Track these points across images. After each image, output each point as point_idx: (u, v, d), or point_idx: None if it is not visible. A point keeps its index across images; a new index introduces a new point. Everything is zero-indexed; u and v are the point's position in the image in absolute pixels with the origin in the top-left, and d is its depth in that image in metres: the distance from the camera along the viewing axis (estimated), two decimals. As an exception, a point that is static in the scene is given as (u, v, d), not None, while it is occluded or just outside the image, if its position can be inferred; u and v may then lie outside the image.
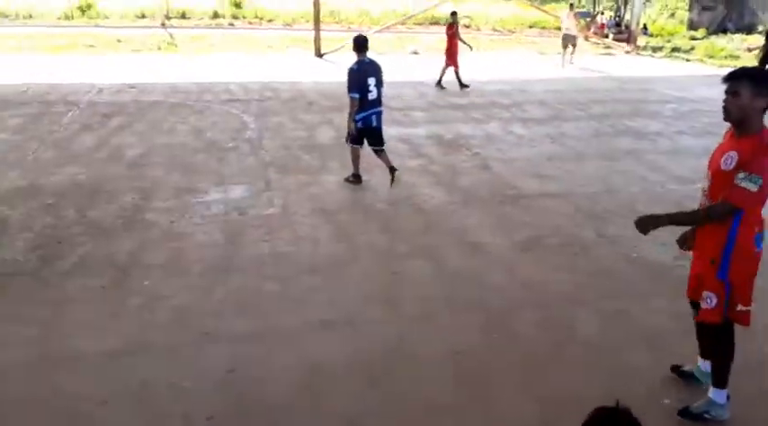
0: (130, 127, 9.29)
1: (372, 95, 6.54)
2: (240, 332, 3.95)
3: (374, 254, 5.18)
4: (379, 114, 6.73)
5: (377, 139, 6.84)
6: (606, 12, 27.45)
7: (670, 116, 11.17)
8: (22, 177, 6.88)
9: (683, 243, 3.28)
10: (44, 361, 3.58)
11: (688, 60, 20.32)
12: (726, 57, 19.63)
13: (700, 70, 17.96)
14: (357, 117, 6.59)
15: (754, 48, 19.58)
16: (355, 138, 6.74)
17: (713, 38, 23.64)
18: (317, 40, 18.85)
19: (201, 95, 11.94)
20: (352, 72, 6.48)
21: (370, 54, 6.76)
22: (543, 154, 8.39)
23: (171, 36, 22.04)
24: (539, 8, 26.87)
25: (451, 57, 13.24)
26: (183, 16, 28.77)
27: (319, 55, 18.66)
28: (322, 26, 19.67)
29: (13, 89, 12.08)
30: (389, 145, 7.25)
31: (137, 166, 7.39)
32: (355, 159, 6.86)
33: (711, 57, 20.02)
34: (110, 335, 3.87)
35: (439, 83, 13.47)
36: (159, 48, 19.61)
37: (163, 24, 26.30)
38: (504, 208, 6.34)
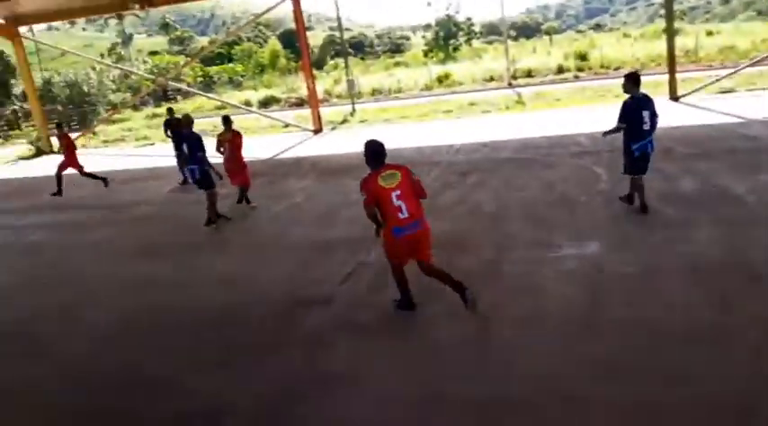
0: (486, 183, 9.94)
1: (646, 126, 7.00)
2: (609, 398, 3.73)
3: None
4: (652, 142, 7.12)
5: (646, 166, 7.24)
6: None
7: None
8: (399, 229, 7.93)
9: None
10: (425, 402, 3.94)
11: None
12: None
13: None
14: (634, 146, 7.06)
15: None
16: (635, 168, 7.19)
17: None
18: (671, 83, 17.51)
19: (551, 150, 12.13)
20: (626, 105, 7.03)
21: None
22: None
23: (518, 95, 23.20)
24: None
25: None
26: (529, 74, 30.03)
27: (674, 98, 17.26)
28: (678, 67, 18.26)
29: (388, 154, 14.19)
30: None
31: (494, 220, 7.82)
32: (639, 189, 7.30)
33: None
34: (476, 384, 4.07)
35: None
36: (507, 107, 20.80)
37: (510, 84, 27.93)
38: None
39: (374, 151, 5.06)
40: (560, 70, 29.95)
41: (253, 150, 17.98)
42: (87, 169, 13.02)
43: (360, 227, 8.03)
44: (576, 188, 8.87)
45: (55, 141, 24.54)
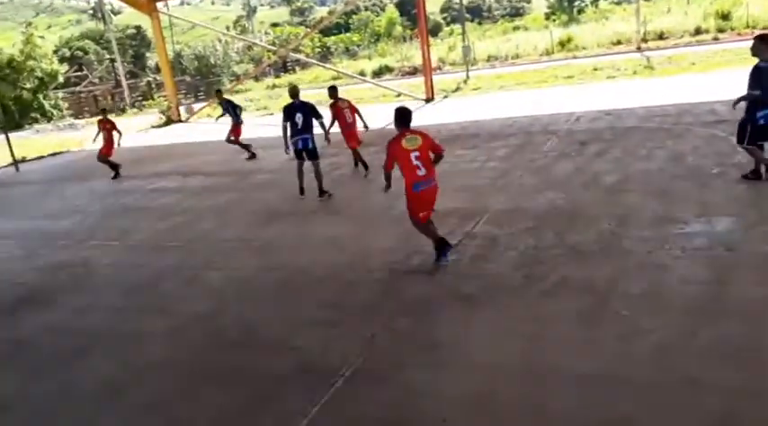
0: (606, 153, 9.36)
1: None
2: (733, 385, 3.41)
3: None
4: None
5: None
6: None
7: None
8: (509, 200, 7.68)
9: None
10: (528, 374, 3.82)
11: None
12: None
13: None
14: (759, 114, 6.71)
15: None
16: (755, 137, 6.81)
17: None
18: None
19: (680, 118, 11.17)
20: (758, 70, 6.60)
21: None
22: None
23: (647, 59, 21.55)
24: None
25: None
26: (661, 37, 27.81)
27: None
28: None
29: (500, 123, 13.77)
30: None
31: (613, 193, 7.35)
32: (760, 158, 6.94)
33: None
34: (587, 360, 3.88)
35: None
36: (634, 73, 19.41)
37: (638, 48, 26.00)
38: None
39: (401, 114, 5.80)
40: (698, 31, 27.39)
41: (365, 120, 18.23)
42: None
43: (468, 198, 7.92)
44: (707, 159, 8.12)
45: (183, 111, 26.36)
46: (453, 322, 4.71)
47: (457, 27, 43.82)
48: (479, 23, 62.00)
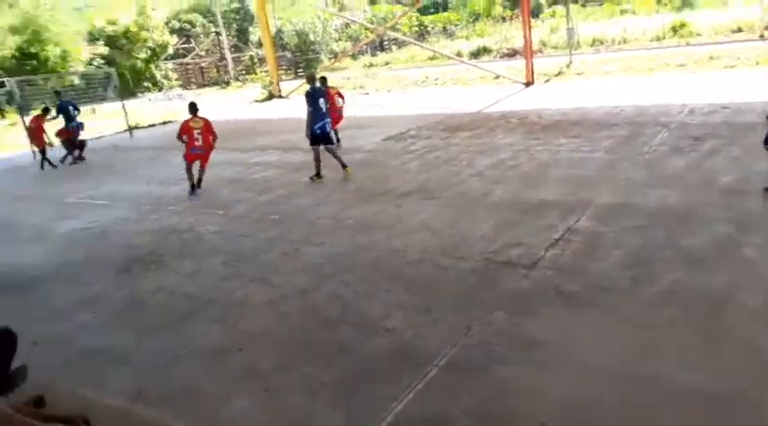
0: (724, 151, 8.72)
1: None
2: None
3: None
4: None
5: None
6: None
7: None
8: (615, 195, 7.34)
9: None
10: (636, 383, 3.65)
11: None
12: None
13: None
14: None
15: None
16: None
17: None
18: None
19: (813, 115, 10.20)
20: None
21: None
22: None
23: (772, 48, 19.83)
24: None
25: None
26: (790, 24, 25.46)
27: None
28: None
29: (606, 111, 13.15)
30: None
31: (732, 194, 6.84)
32: None
33: None
34: (702, 374, 3.65)
35: None
36: (757, 63, 17.91)
37: (761, 36, 23.96)
38: None
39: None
40: (835, 17, 24.80)
41: (459, 102, 17.99)
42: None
43: (570, 190, 7.64)
44: None
45: (284, 86, 27.04)
46: (554, 320, 4.57)
47: (559, 8, 42.00)
48: (583, 6, 59.15)
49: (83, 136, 15.28)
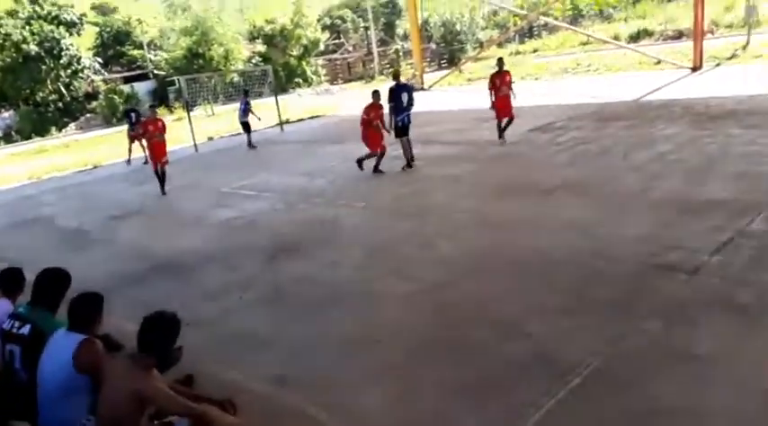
0: None
1: None
2: None
3: None
4: None
5: None
6: None
7: None
8: None
9: None
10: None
11: None
12: None
13: None
14: None
15: None
16: None
17: None
18: None
19: None
20: None
21: None
22: None
23: None
24: None
25: None
26: None
27: None
28: None
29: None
30: None
31: None
32: None
33: None
34: None
35: None
36: None
37: None
38: None
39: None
40: None
41: (613, 90, 16.77)
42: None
43: (743, 188, 6.78)
44: None
45: (427, 77, 27.08)
46: (721, 333, 4.04)
47: (737, -18, 37.69)
48: (766, -23, 52.56)
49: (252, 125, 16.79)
